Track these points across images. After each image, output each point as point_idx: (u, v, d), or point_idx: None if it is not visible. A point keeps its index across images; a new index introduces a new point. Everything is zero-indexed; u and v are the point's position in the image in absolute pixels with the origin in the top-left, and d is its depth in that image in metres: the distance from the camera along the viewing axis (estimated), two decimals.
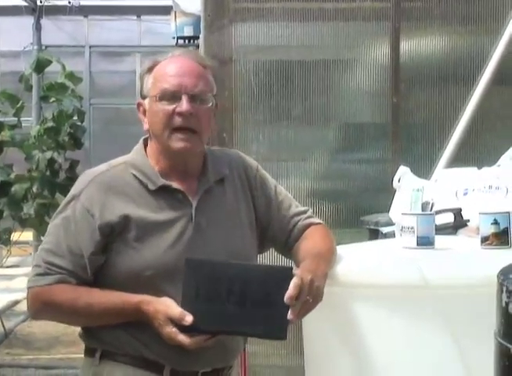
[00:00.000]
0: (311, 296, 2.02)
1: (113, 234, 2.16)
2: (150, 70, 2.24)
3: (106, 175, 2.22)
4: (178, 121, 2.17)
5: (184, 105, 2.16)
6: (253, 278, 2.03)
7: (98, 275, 2.18)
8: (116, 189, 2.19)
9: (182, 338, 2.03)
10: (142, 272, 2.13)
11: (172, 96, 2.17)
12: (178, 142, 2.17)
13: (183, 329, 2.02)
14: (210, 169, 2.28)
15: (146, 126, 2.25)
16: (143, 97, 2.25)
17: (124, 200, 2.18)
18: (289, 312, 1.98)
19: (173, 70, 2.20)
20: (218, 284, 2.02)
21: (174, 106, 2.17)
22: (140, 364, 2.16)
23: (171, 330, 2.04)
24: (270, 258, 3.22)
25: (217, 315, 2.02)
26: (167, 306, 2.05)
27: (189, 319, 2.01)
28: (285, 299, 1.98)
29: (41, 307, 2.20)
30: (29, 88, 7.85)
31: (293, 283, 1.99)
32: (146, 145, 2.29)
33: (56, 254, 2.17)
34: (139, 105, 2.26)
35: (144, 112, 2.25)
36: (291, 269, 2.05)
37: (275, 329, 2.01)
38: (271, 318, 2.00)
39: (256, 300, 2.00)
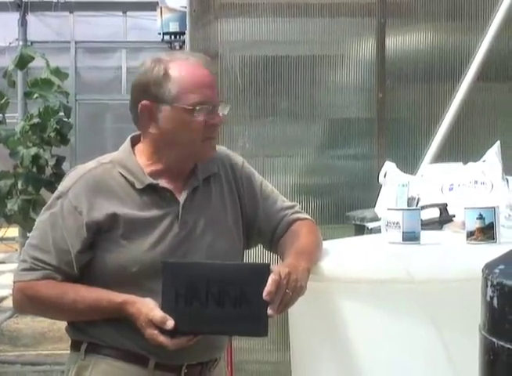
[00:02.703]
0: (290, 289, 2.02)
1: (100, 232, 2.16)
2: (167, 74, 2.17)
3: (95, 172, 2.21)
4: (211, 131, 2.20)
5: (218, 117, 2.21)
6: (230, 277, 2.02)
7: (84, 271, 2.18)
8: (103, 188, 2.18)
9: (164, 340, 2.04)
10: (128, 268, 2.14)
11: (207, 109, 2.18)
12: (210, 151, 2.24)
13: (165, 330, 2.03)
14: (200, 167, 2.28)
15: (153, 130, 2.19)
16: (159, 101, 2.17)
17: (112, 198, 2.17)
18: (268, 307, 1.98)
19: (200, 80, 2.19)
20: (196, 285, 2.02)
21: (207, 117, 2.18)
22: (125, 357, 2.17)
23: (152, 332, 2.05)
24: (257, 255, 3.23)
25: (197, 316, 2.02)
26: (149, 309, 2.05)
27: (170, 323, 2.02)
28: (263, 296, 1.97)
29: (27, 302, 2.21)
30: (12, 84, 7.80)
31: (270, 279, 1.99)
32: (133, 142, 2.27)
33: (43, 249, 2.17)
34: (146, 107, 2.18)
35: (151, 115, 2.19)
36: (268, 265, 2.05)
37: (255, 326, 2.01)
38: (251, 315, 2.00)
39: (235, 298, 2.00)
